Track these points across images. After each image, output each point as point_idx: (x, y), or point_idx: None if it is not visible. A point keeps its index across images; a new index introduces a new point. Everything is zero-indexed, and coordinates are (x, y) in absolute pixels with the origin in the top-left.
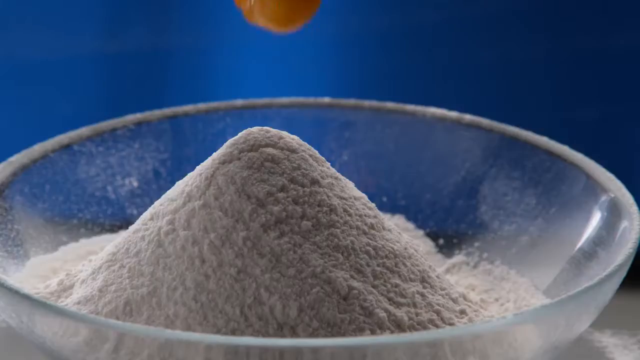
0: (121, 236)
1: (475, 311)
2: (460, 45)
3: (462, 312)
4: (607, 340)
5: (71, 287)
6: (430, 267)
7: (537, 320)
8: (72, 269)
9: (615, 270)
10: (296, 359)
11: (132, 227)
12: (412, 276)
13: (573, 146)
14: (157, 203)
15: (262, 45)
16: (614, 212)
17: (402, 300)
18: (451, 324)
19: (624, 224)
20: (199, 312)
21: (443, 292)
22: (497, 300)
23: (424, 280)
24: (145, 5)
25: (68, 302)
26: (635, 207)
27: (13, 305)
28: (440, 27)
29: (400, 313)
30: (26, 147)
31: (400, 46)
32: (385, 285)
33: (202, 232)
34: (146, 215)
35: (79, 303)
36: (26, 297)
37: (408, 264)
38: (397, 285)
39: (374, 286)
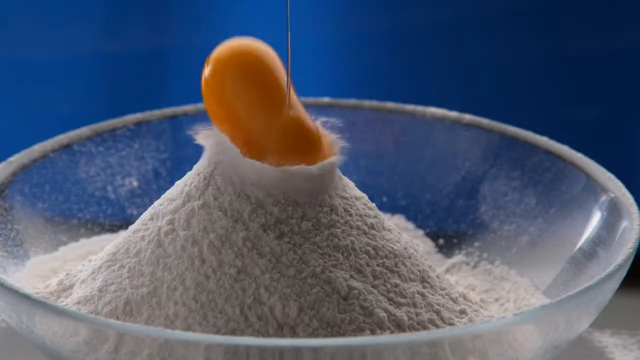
0: (121, 236)
1: (475, 311)
2: (460, 45)
3: (462, 312)
4: (607, 340)
5: (71, 287)
6: (430, 267)
7: (537, 320)
8: (72, 269)
9: (615, 270)
10: (296, 359)
11: (132, 227)
12: (412, 276)
13: (573, 146)
14: (156, 203)
15: None
16: (614, 212)
17: (402, 300)
18: (451, 324)
19: (624, 224)
20: (199, 312)
21: (443, 292)
22: (497, 300)
23: (423, 280)
24: (145, 5)
25: (68, 302)
26: (635, 207)
27: (13, 305)
28: (440, 27)
29: (400, 313)
30: (26, 147)
31: (400, 46)
32: (385, 285)
33: (202, 232)
34: (146, 215)
35: (78, 303)
36: (26, 297)
37: (408, 264)
38: (397, 285)
39: (374, 286)
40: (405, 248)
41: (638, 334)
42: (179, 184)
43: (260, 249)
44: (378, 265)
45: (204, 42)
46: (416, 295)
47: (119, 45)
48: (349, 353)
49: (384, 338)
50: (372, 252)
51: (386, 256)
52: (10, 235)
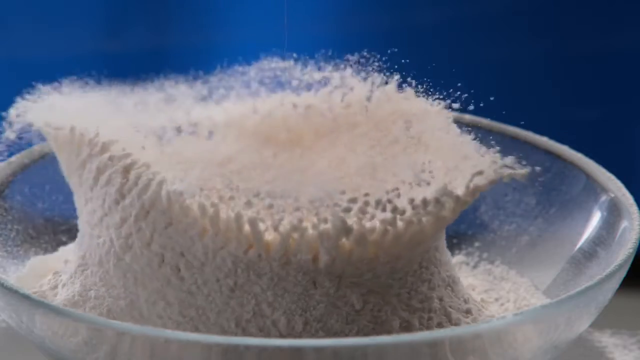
0: (80, 234)
1: (478, 310)
2: (460, 45)
3: (468, 311)
4: (607, 340)
5: (57, 286)
6: (454, 269)
7: (537, 320)
8: (59, 269)
9: (615, 270)
10: None
11: (84, 229)
12: (440, 283)
13: (573, 146)
14: (87, 204)
15: (263, 45)
16: (614, 212)
17: (419, 305)
18: (457, 325)
19: (624, 224)
20: (189, 323)
21: (459, 294)
22: (497, 300)
23: (448, 285)
24: (145, 5)
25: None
26: (635, 207)
27: (13, 305)
28: (440, 27)
29: (413, 318)
30: (26, 147)
31: (400, 46)
32: (409, 293)
33: (171, 253)
34: (90, 220)
35: (64, 306)
36: (26, 297)
37: (442, 270)
38: (421, 293)
39: (397, 294)
40: (449, 257)
41: (638, 334)
42: (91, 182)
43: (258, 271)
44: (411, 276)
45: (204, 42)
46: (435, 300)
47: (119, 45)
48: (350, 354)
49: (385, 338)
50: (416, 266)
51: (427, 267)
52: (10, 235)
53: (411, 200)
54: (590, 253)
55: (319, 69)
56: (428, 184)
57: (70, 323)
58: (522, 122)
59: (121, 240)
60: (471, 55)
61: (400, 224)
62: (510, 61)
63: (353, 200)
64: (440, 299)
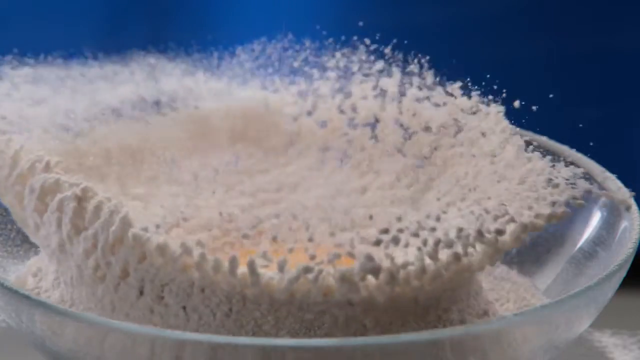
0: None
1: (494, 311)
2: (461, 45)
3: (485, 313)
4: (607, 340)
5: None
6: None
7: (537, 320)
8: (38, 273)
9: (615, 270)
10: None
11: (43, 248)
12: (464, 297)
13: (573, 146)
14: (38, 228)
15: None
16: (614, 212)
17: (434, 318)
18: None
19: (624, 224)
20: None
21: (479, 299)
22: (497, 300)
23: (471, 297)
24: (145, 5)
25: None
26: (635, 207)
27: (13, 305)
28: (441, 26)
29: (427, 329)
30: None
31: (400, 46)
32: (427, 310)
33: (151, 285)
34: (50, 243)
35: None
36: (26, 297)
37: (467, 284)
38: (440, 308)
39: (413, 313)
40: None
41: (638, 334)
42: (36, 203)
43: (256, 301)
44: (434, 298)
45: (204, 42)
46: (454, 312)
47: (119, 45)
48: (350, 354)
49: (385, 338)
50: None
51: (452, 289)
52: (10, 236)
53: (459, 230)
54: (590, 253)
55: (333, 55)
56: (486, 211)
57: (70, 323)
58: (523, 122)
59: (89, 271)
60: (471, 54)
61: (443, 258)
62: (511, 60)
63: (384, 232)
64: (460, 311)
